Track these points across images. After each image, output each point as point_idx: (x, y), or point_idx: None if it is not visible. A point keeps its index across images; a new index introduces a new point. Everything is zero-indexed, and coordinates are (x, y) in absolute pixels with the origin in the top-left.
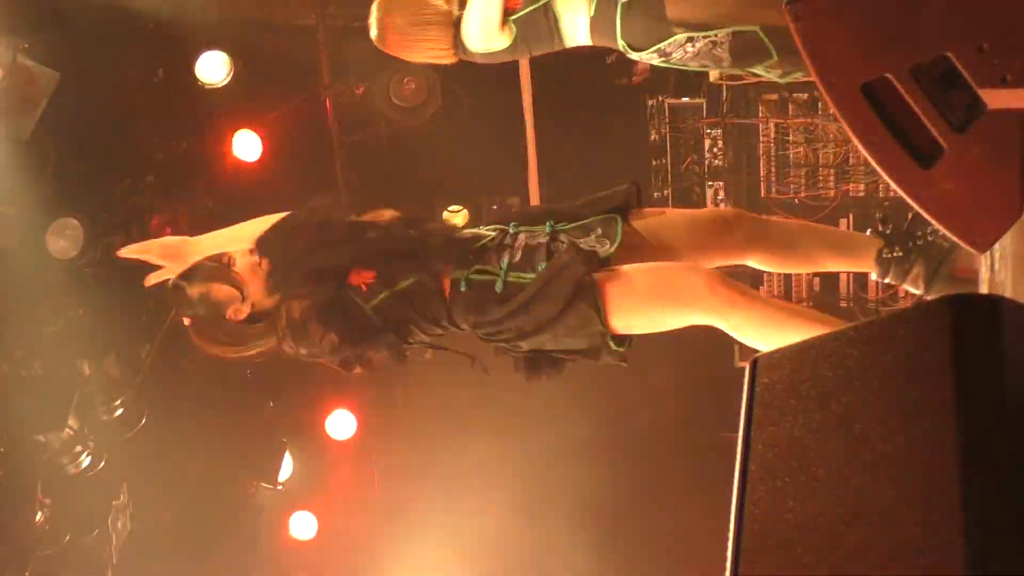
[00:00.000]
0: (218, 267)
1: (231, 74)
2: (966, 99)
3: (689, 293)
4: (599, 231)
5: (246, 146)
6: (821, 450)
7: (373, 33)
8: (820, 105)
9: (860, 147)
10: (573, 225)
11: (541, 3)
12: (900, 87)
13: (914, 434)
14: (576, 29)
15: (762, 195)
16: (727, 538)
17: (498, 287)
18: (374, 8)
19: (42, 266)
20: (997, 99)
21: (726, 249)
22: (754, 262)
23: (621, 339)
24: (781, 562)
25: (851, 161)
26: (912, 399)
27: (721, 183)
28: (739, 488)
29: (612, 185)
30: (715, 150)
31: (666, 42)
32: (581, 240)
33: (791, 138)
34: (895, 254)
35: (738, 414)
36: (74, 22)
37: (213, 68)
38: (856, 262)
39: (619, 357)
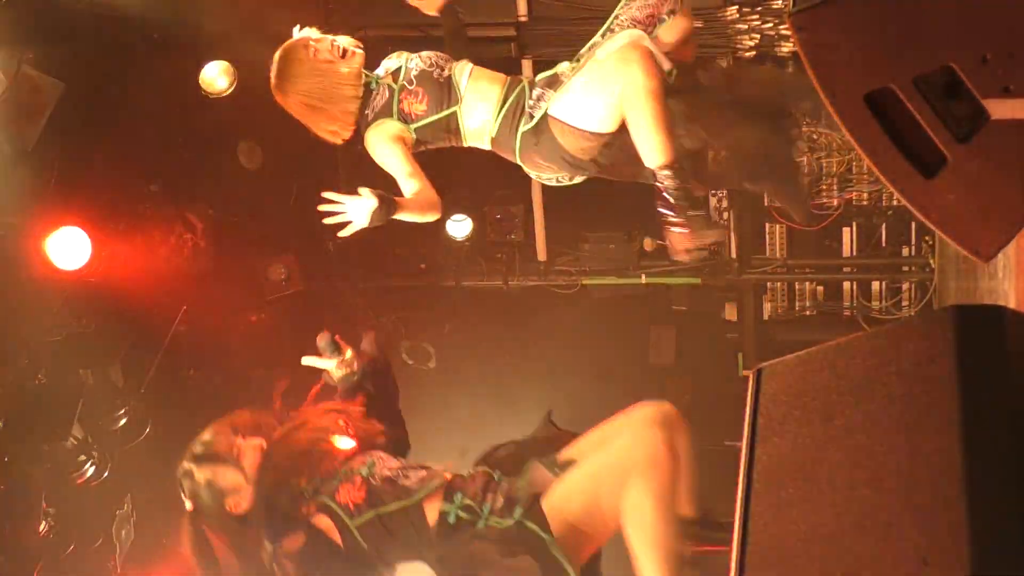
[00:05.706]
0: (228, 453)
1: (234, 83)
2: (969, 109)
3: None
4: None
5: (249, 156)
6: (825, 460)
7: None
8: (823, 114)
9: (863, 157)
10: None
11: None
12: (903, 97)
13: (919, 444)
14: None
15: (765, 203)
16: (731, 548)
17: (479, 526)
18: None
19: (46, 276)
20: (1000, 109)
21: None
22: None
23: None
24: (785, 574)
25: (854, 170)
26: (917, 409)
27: (724, 192)
28: (743, 499)
29: (613, 198)
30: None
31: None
32: None
33: None
34: None
35: (740, 422)
36: (79, 32)
37: (217, 77)
38: None
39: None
